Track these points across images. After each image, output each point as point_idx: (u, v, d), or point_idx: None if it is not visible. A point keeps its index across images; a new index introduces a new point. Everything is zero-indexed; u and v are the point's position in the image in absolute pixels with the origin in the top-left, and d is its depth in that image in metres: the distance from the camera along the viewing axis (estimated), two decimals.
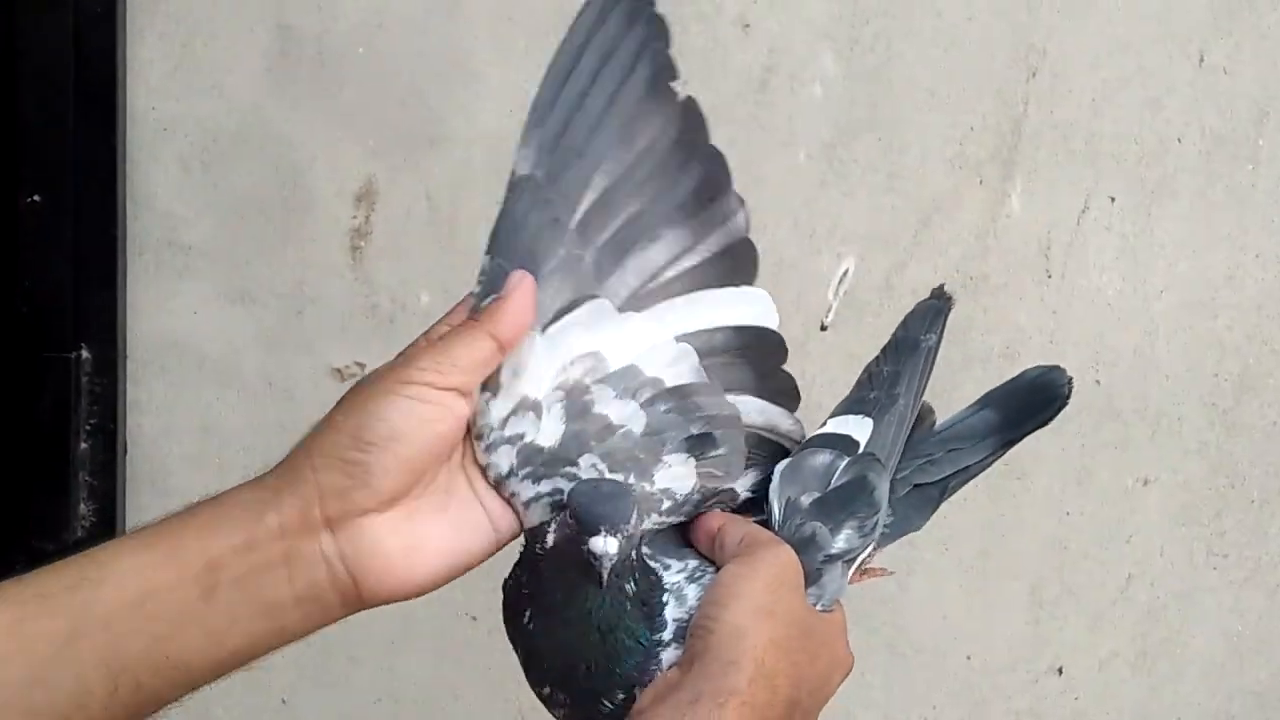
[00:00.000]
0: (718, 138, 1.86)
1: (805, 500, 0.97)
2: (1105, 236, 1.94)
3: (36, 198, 1.76)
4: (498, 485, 0.91)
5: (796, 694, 0.88)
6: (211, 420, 1.86)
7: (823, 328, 1.91)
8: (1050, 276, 1.94)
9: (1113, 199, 1.93)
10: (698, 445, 0.95)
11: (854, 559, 0.98)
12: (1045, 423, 1.08)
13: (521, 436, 0.90)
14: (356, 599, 0.87)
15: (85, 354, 1.79)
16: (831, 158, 1.89)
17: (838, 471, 0.98)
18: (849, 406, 1.05)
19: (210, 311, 1.84)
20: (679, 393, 0.95)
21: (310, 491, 0.86)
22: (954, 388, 1.92)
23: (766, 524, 0.96)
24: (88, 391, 1.79)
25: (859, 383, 1.08)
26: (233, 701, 1.91)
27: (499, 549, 0.92)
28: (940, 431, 1.06)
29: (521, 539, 0.91)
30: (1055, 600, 2.03)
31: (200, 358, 1.84)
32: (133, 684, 0.82)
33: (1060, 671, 2.05)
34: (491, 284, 0.92)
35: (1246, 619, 2.06)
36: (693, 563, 0.92)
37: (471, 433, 0.90)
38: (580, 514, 0.83)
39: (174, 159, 1.81)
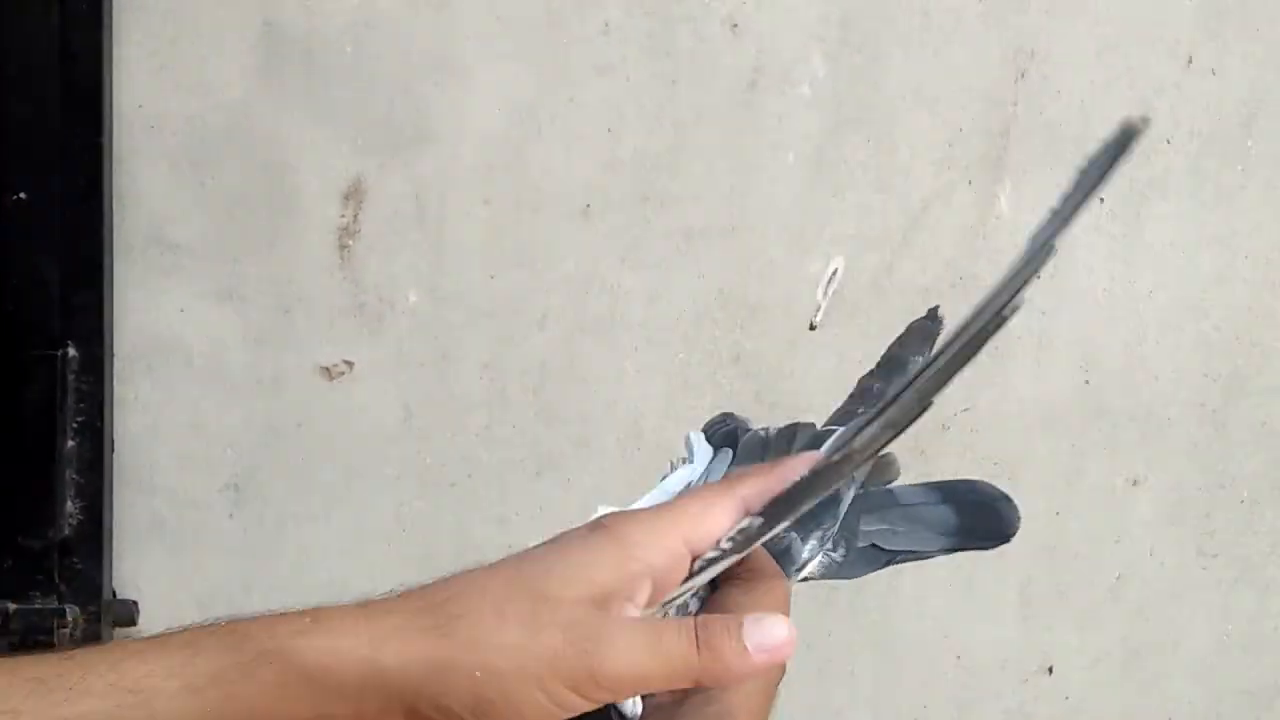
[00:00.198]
0: (707, 139, 1.88)
1: None
2: (1094, 237, 1.94)
3: (22, 195, 1.75)
4: None
5: None
6: (199, 418, 1.86)
7: (811, 327, 1.91)
8: (1039, 277, 1.94)
9: (1102, 200, 1.93)
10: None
11: (803, 575, 0.99)
12: (988, 549, 1.09)
13: None
14: None
15: (72, 352, 1.78)
16: (820, 158, 1.89)
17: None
18: (838, 418, 1.06)
19: (198, 310, 1.84)
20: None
21: None
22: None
23: None
24: (75, 390, 1.79)
25: (852, 394, 1.09)
26: None
27: None
28: (905, 505, 1.07)
29: None
30: (1045, 600, 2.03)
31: (188, 356, 1.84)
32: None
33: (1050, 671, 2.05)
34: None
35: (1236, 619, 2.07)
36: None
37: None
38: None
39: (161, 157, 1.81)
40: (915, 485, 1.08)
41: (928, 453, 1.94)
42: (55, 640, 1.76)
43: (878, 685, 2.03)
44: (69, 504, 1.81)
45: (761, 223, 1.88)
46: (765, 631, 0.75)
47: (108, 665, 0.73)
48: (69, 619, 1.79)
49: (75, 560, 1.81)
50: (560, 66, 1.84)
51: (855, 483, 1.00)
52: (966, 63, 1.89)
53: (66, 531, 1.81)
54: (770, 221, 1.89)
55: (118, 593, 1.85)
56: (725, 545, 0.79)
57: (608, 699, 0.75)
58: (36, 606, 1.80)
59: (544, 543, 0.80)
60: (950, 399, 1.93)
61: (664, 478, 1.01)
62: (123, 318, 1.82)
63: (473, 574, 0.76)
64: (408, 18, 1.82)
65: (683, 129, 1.86)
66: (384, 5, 1.81)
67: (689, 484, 0.98)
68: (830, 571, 0.99)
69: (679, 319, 1.89)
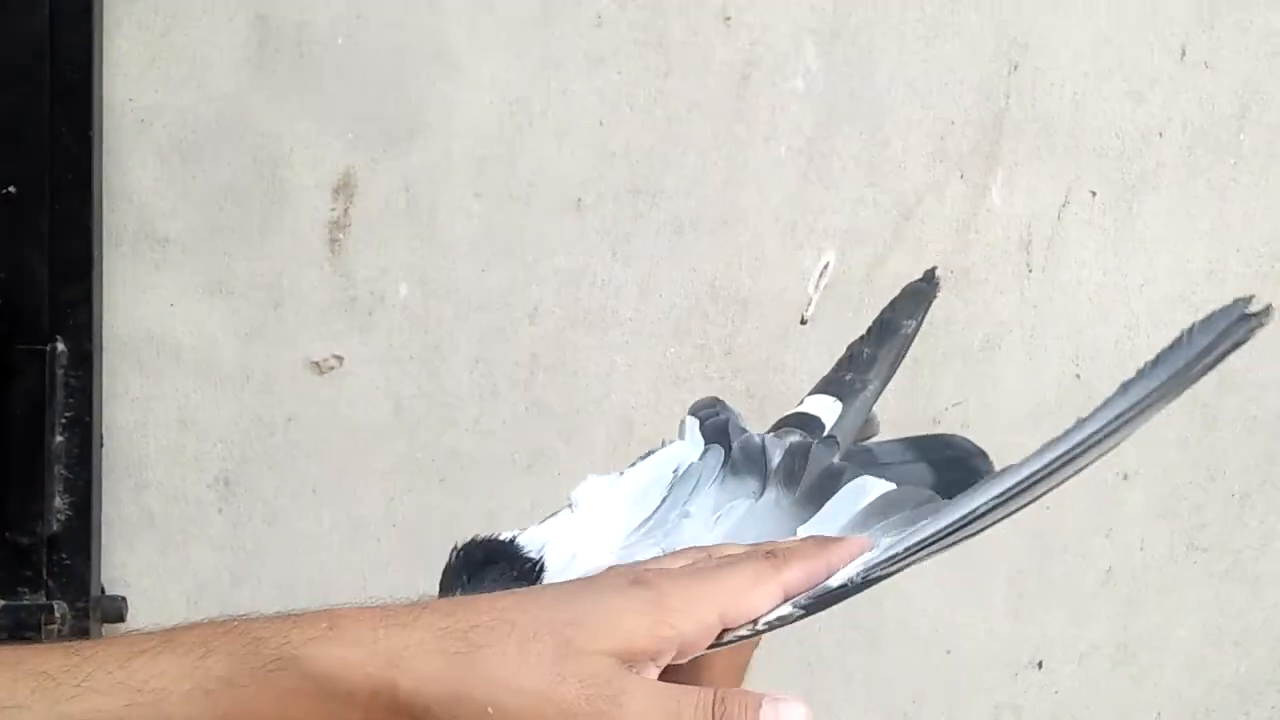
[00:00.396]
0: (699, 133, 1.88)
1: None
2: (1086, 230, 1.94)
3: (11, 189, 1.75)
4: None
5: None
6: (189, 413, 1.85)
7: (803, 321, 1.91)
8: (1031, 270, 1.94)
9: (1094, 193, 1.93)
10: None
11: None
12: None
13: None
14: None
15: (61, 347, 1.78)
16: (813, 152, 1.88)
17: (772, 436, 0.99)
18: (825, 386, 1.07)
19: (187, 304, 1.83)
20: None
21: None
22: (935, 379, 1.94)
23: None
24: (63, 384, 1.78)
25: (840, 361, 1.09)
26: None
27: None
28: (881, 463, 1.06)
29: None
30: (1035, 594, 2.03)
31: (177, 350, 1.84)
32: None
33: (1040, 665, 2.05)
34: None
35: (1226, 612, 2.07)
36: None
37: None
38: None
39: (151, 150, 1.80)
40: (892, 441, 1.07)
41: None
42: (43, 637, 1.76)
43: (868, 679, 2.02)
44: (57, 499, 1.80)
45: (753, 216, 1.88)
46: (782, 716, 0.74)
47: (116, 662, 0.73)
48: (57, 615, 1.78)
49: (63, 556, 1.80)
50: (552, 59, 1.83)
51: (841, 451, 1.00)
52: (959, 55, 1.89)
53: (55, 527, 1.80)
54: (762, 215, 1.88)
55: (106, 588, 1.85)
56: (759, 626, 0.78)
57: None
58: (25, 602, 1.79)
59: (582, 581, 0.80)
60: (942, 393, 1.93)
61: (651, 453, 1.01)
62: (112, 312, 1.81)
63: (503, 602, 0.75)
64: (399, 11, 1.81)
65: (675, 122, 1.86)
66: None
67: (677, 467, 0.98)
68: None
69: (670, 312, 1.89)
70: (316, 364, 1.85)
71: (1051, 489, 0.83)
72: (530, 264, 1.86)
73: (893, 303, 1.12)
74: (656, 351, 1.89)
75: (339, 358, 1.85)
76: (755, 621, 0.77)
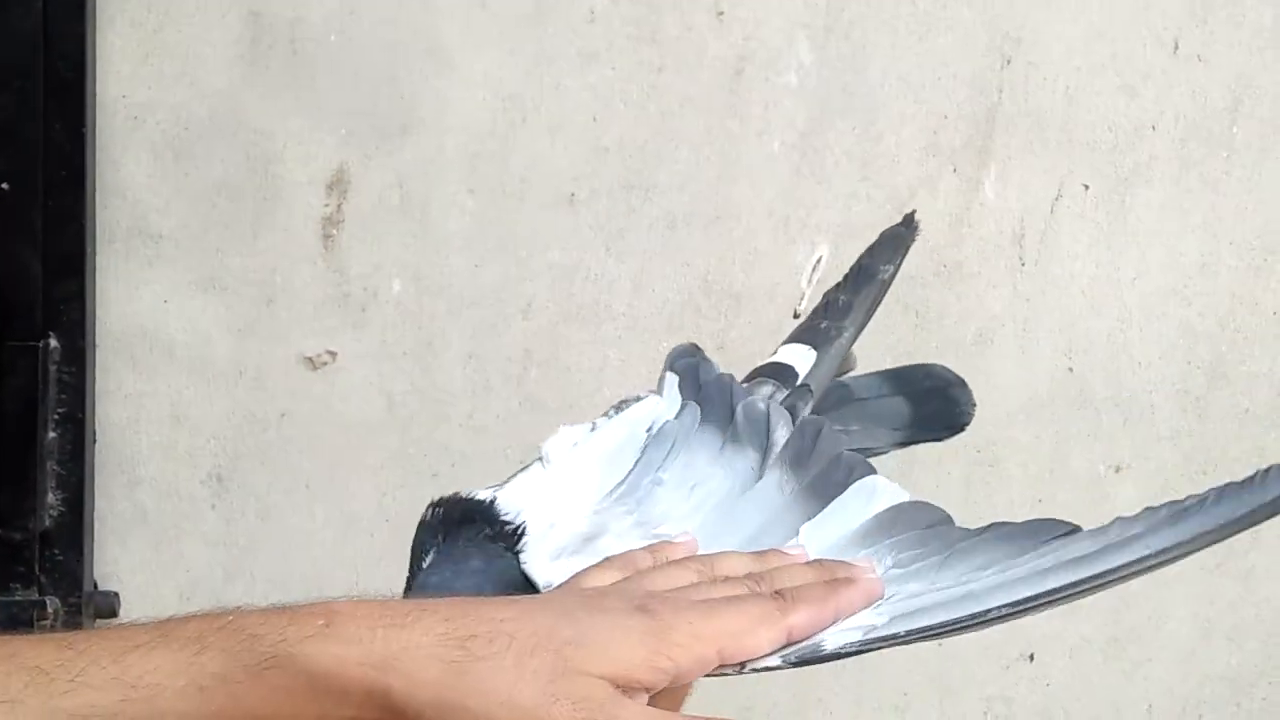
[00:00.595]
0: (692, 128, 1.88)
1: None
2: (1079, 224, 1.95)
3: (5, 186, 1.74)
4: None
5: None
6: (182, 409, 1.85)
7: (796, 315, 1.90)
8: (1024, 264, 1.94)
9: (1086, 186, 1.93)
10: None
11: None
12: (942, 440, 1.11)
13: None
14: None
15: (54, 343, 1.77)
16: (806, 146, 1.88)
17: (777, 401, 0.98)
18: (800, 334, 1.07)
19: (181, 300, 1.82)
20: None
21: None
22: None
23: None
24: (56, 380, 1.78)
25: (816, 309, 1.10)
26: None
27: None
28: (857, 399, 1.08)
29: None
30: None
31: (170, 346, 1.83)
32: None
33: (1031, 658, 2.06)
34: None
35: (1217, 605, 2.07)
36: None
37: None
38: None
39: (144, 147, 1.80)
40: (869, 375, 1.09)
41: None
42: (35, 633, 1.75)
43: (859, 673, 2.03)
44: (50, 495, 1.80)
45: (746, 211, 1.88)
46: None
47: (110, 657, 0.73)
48: (49, 611, 1.78)
49: (56, 552, 1.80)
50: (545, 55, 1.83)
51: (815, 398, 1.00)
52: (952, 50, 1.89)
53: (47, 523, 1.80)
54: (755, 210, 1.88)
55: (99, 584, 1.84)
56: (745, 670, 0.78)
57: None
58: (17, 598, 1.79)
59: (587, 595, 0.80)
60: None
61: (624, 403, 1.00)
62: (105, 308, 1.81)
63: (504, 613, 0.75)
64: (392, 6, 1.81)
65: (668, 117, 1.86)
66: None
67: (651, 425, 0.97)
68: None
69: (663, 307, 1.89)
70: (310, 360, 1.85)
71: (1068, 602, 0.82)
72: (523, 259, 1.86)
73: (870, 248, 1.12)
74: (650, 346, 1.89)
75: (332, 353, 1.85)
76: (743, 665, 0.78)
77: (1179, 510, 0.80)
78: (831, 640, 0.79)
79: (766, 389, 1.00)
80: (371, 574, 1.87)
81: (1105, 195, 1.94)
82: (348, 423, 1.87)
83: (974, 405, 1.10)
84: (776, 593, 0.80)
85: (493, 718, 0.71)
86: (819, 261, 1.90)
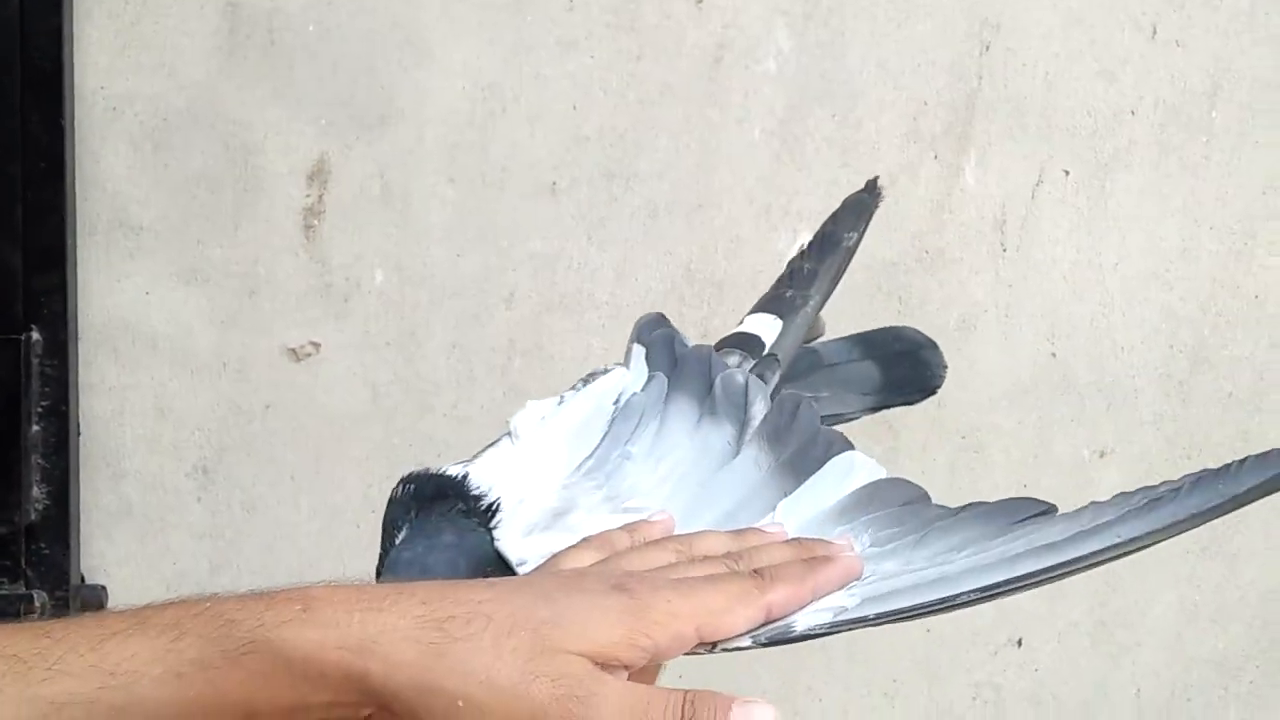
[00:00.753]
0: (672, 116, 1.88)
1: None
2: (1060, 209, 1.95)
3: None
4: None
5: None
6: (165, 402, 1.85)
7: None
8: (1005, 250, 1.94)
9: (1067, 172, 1.93)
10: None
11: None
12: (914, 404, 1.09)
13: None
14: None
15: (36, 336, 1.78)
16: (786, 134, 1.88)
17: (753, 376, 0.98)
18: (765, 304, 1.07)
19: (162, 292, 1.83)
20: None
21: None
22: None
23: None
24: (39, 374, 1.78)
25: (780, 278, 1.09)
26: None
27: None
28: (827, 364, 1.07)
29: None
30: None
31: (153, 339, 1.84)
32: None
33: (1019, 643, 2.06)
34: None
35: (1204, 589, 2.07)
36: None
37: None
38: None
39: (124, 139, 1.80)
40: (838, 340, 1.08)
41: (894, 426, 1.94)
42: None
43: (849, 659, 2.03)
44: (35, 489, 1.80)
45: (728, 199, 1.88)
46: (753, 718, 0.74)
47: (88, 645, 0.72)
48: (36, 605, 1.78)
49: (42, 545, 1.80)
50: (524, 44, 1.83)
51: (782, 367, 1.00)
52: (931, 36, 1.89)
53: (33, 516, 1.80)
54: (736, 197, 1.88)
55: (86, 577, 1.84)
56: (716, 649, 0.77)
57: None
58: (3, 593, 1.79)
59: (564, 576, 0.80)
60: None
61: (593, 375, 0.99)
62: (87, 301, 1.81)
63: (482, 595, 0.74)
64: None
65: (648, 105, 1.86)
66: None
67: (619, 395, 0.96)
68: None
69: (646, 295, 1.89)
70: (293, 351, 1.85)
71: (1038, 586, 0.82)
72: (505, 249, 1.86)
73: (834, 215, 1.11)
74: None
75: (315, 345, 1.85)
76: (715, 644, 0.77)
77: (1153, 498, 0.79)
78: (802, 621, 0.78)
79: (734, 359, 0.99)
80: (357, 564, 1.86)
81: (1085, 180, 1.94)
82: (332, 414, 1.87)
83: (945, 367, 1.09)
84: (755, 572, 0.80)
85: (471, 697, 0.71)
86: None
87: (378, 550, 0.89)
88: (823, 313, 1.08)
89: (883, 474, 0.90)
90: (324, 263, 1.84)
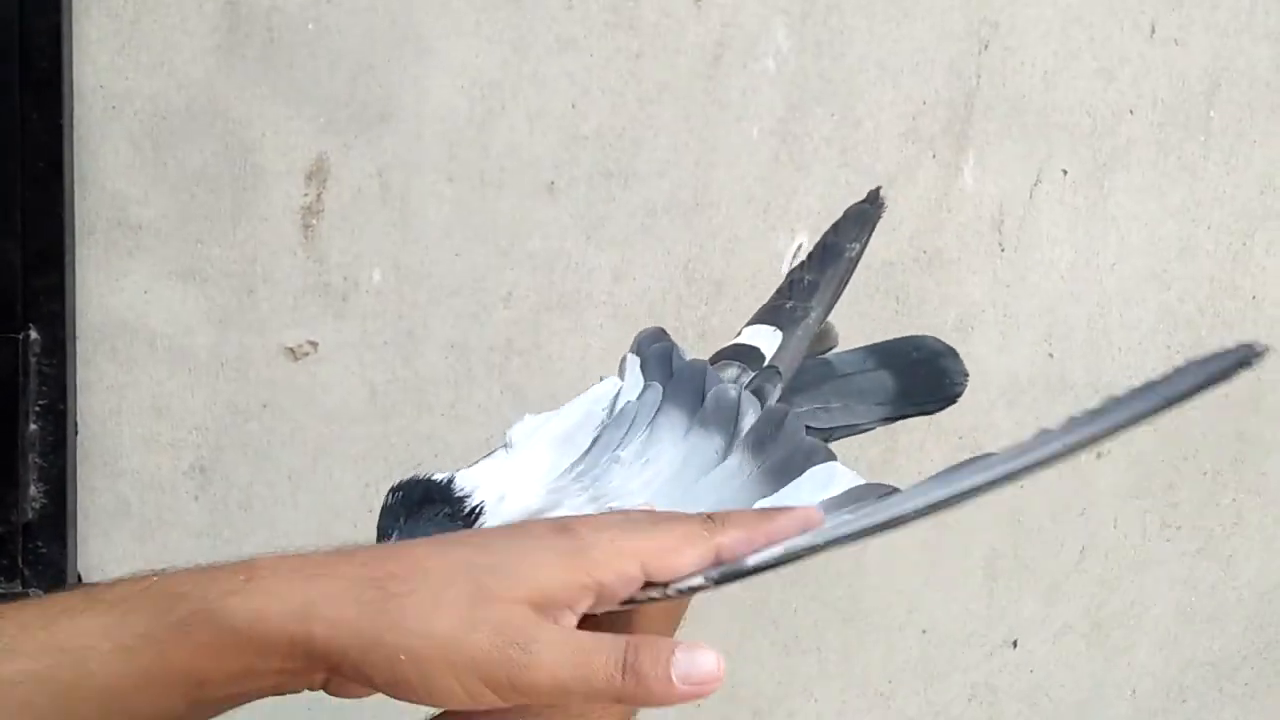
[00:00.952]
0: (671, 115, 1.88)
1: None
2: (1058, 209, 1.95)
3: None
4: None
5: None
6: (163, 401, 1.85)
7: None
8: (1003, 250, 1.94)
9: (1065, 171, 1.94)
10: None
11: None
12: (932, 413, 1.07)
13: None
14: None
15: (34, 334, 1.77)
16: (785, 133, 1.88)
17: (743, 385, 0.97)
18: (764, 315, 1.05)
19: (161, 291, 1.82)
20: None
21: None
22: None
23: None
24: (37, 372, 1.78)
25: (780, 289, 1.07)
26: None
27: None
28: (839, 375, 1.05)
29: None
30: (1010, 573, 2.04)
31: (151, 337, 1.83)
32: None
33: (1015, 644, 2.06)
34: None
35: (1199, 590, 2.08)
36: None
37: None
38: None
39: (123, 137, 1.80)
40: (853, 351, 1.06)
41: (892, 426, 1.93)
42: None
43: (844, 660, 2.03)
44: (32, 488, 1.80)
45: (726, 198, 1.88)
46: (695, 664, 0.73)
47: (39, 623, 0.73)
48: None
49: (39, 544, 1.80)
50: (523, 42, 1.83)
51: (784, 381, 0.98)
52: (929, 35, 1.89)
53: (30, 515, 1.80)
54: (735, 197, 1.88)
55: (83, 577, 1.84)
56: (669, 591, 0.77)
57: (525, 702, 0.74)
58: (0, 591, 1.79)
59: (504, 528, 0.79)
60: None
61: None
62: (85, 299, 1.81)
63: (420, 551, 0.75)
64: None
65: (647, 104, 1.86)
66: None
67: (613, 400, 0.97)
68: None
69: (644, 295, 1.89)
70: (291, 350, 1.85)
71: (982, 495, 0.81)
72: (504, 248, 1.86)
73: (835, 225, 1.09)
74: (631, 334, 1.87)
75: (313, 344, 1.84)
76: (667, 585, 0.77)
77: (1095, 410, 0.80)
78: (754, 556, 0.78)
79: (732, 371, 0.99)
80: None
81: (1084, 180, 1.95)
82: (330, 413, 1.87)
83: (966, 375, 1.07)
84: (708, 516, 0.79)
85: (412, 650, 0.71)
86: (799, 248, 1.90)
87: None
88: (831, 320, 1.07)
89: (861, 482, 0.90)
90: (322, 262, 1.83)
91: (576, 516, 0.80)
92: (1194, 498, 2.05)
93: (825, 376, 1.04)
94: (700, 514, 0.80)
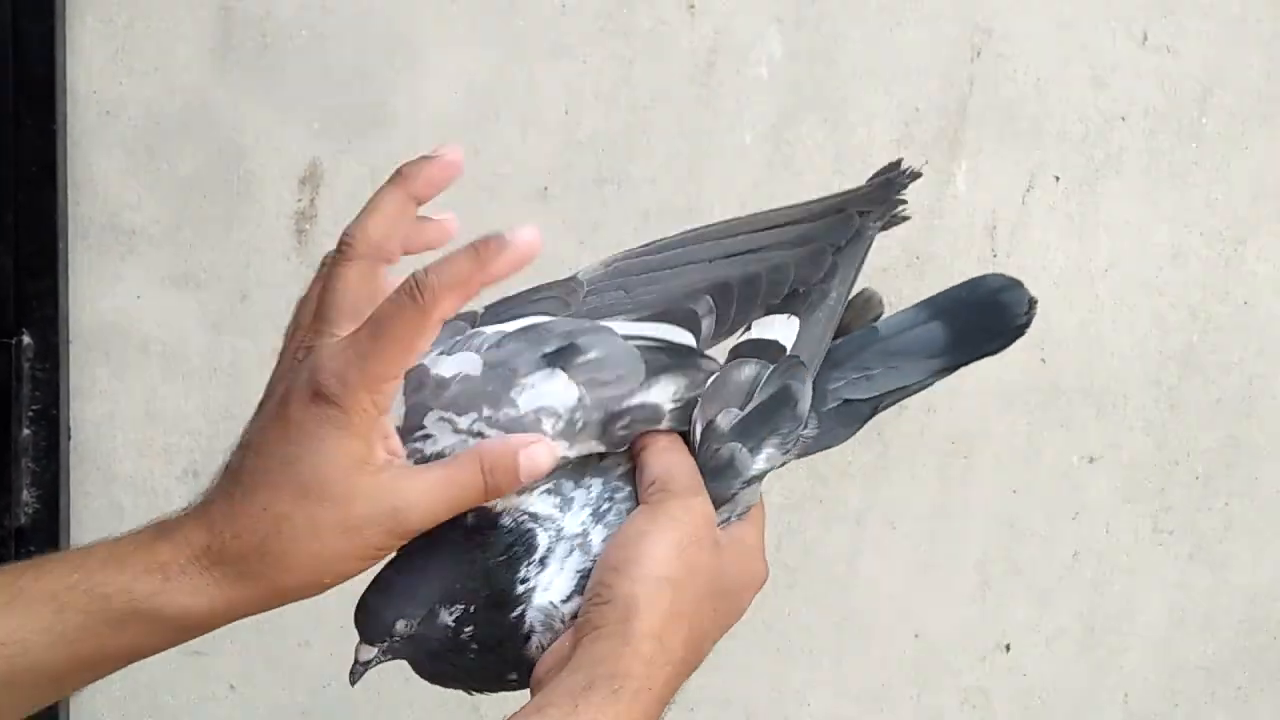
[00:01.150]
0: (664, 121, 1.87)
1: (725, 422, 0.90)
2: (1050, 215, 1.95)
3: None
4: None
5: (697, 654, 0.84)
6: (156, 405, 1.85)
7: None
8: (996, 255, 1.94)
9: (1057, 178, 1.94)
10: (559, 357, 0.90)
11: (774, 469, 0.91)
12: (997, 352, 0.99)
13: None
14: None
15: (27, 339, 1.77)
16: (778, 139, 1.89)
17: (762, 382, 0.91)
18: (779, 304, 0.97)
19: (154, 296, 1.82)
20: (528, 330, 0.93)
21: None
22: None
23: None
24: (30, 377, 1.78)
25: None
26: (181, 688, 1.90)
27: None
28: (883, 338, 0.98)
29: None
30: (1002, 578, 2.04)
31: (144, 342, 1.83)
32: None
33: (1007, 649, 2.06)
34: None
35: (1192, 594, 2.08)
36: (598, 489, 0.89)
37: None
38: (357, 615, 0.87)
39: (116, 143, 1.80)
40: (905, 310, 0.99)
41: (884, 433, 1.95)
42: None
43: (837, 664, 2.03)
44: (25, 493, 1.80)
45: (719, 204, 1.88)
46: (533, 460, 0.84)
47: None
48: None
49: (32, 549, 1.80)
50: (517, 48, 1.83)
51: (811, 370, 0.94)
52: (922, 42, 1.89)
53: (23, 520, 1.80)
54: (728, 202, 1.88)
55: None
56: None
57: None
58: None
59: (269, 430, 0.87)
60: None
61: None
62: (78, 304, 1.81)
63: (265, 514, 0.84)
64: (363, 1, 1.80)
65: (640, 110, 1.86)
66: None
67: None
68: (807, 448, 0.93)
69: None
70: None
71: None
72: None
73: (851, 200, 1.05)
74: None
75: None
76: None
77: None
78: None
79: (749, 369, 0.92)
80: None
81: (1076, 186, 1.95)
82: None
83: (1032, 303, 0.99)
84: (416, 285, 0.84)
85: (315, 585, 0.84)
86: None
87: None
88: (865, 297, 1.01)
89: None
90: (316, 266, 1.83)
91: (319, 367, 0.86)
92: (1186, 502, 2.05)
93: (864, 344, 0.98)
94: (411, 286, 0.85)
